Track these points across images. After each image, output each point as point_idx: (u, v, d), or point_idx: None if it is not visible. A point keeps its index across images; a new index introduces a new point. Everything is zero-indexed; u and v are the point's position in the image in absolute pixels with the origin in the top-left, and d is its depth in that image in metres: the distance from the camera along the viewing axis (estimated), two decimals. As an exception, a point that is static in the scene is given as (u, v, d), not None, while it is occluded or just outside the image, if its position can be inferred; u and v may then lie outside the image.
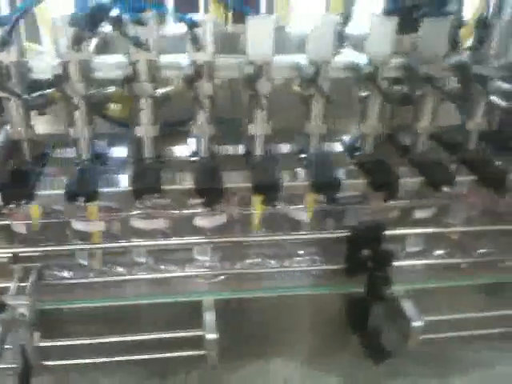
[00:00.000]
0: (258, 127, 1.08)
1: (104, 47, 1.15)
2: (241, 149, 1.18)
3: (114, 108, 1.18)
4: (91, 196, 0.99)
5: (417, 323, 1.14)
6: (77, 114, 1.02)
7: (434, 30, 1.03)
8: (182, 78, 1.01)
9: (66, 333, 1.19)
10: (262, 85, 1.03)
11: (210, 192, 1.02)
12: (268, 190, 1.06)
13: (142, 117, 1.04)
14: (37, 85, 1.03)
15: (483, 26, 1.05)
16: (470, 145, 1.17)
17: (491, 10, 1.06)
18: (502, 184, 1.08)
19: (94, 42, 1.11)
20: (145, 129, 1.06)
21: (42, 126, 1.14)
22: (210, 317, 1.12)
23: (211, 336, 1.08)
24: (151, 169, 1.07)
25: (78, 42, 0.95)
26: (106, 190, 1.01)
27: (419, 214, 1.20)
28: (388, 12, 1.22)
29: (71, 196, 0.98)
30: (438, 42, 1.03)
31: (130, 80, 0.98)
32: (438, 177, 1.08)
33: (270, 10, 1.22)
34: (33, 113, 1.07)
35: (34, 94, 1.03)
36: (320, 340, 1.30)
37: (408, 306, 1.16)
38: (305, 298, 1.29)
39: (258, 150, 1.11)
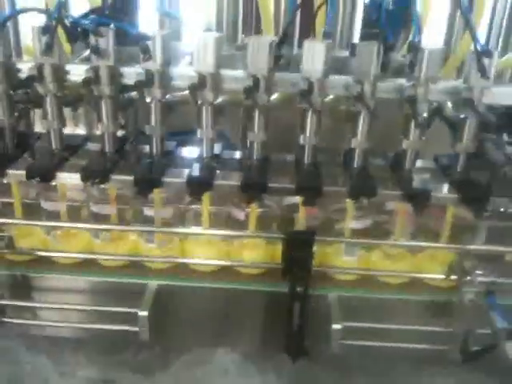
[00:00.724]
0: (205, 131, 1.22)
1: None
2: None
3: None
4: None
5: (337, 326, 1.21)
6: (48, 108, 1.21)
7: (365, 52, 1.12)
8: (135, 82, 1.17)
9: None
10: (206, 93, 1.17)
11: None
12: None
13: (103, 115, 1.22)
14: (23, 83, 1.23)
15: (412, 49, 1.12)
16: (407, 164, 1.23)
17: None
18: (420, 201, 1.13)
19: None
20: (105, 126, 1.23)
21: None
22: (147, 298, 1.26)
23: (143, 313, 1.22)
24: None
25: (49, 48, 1.14)
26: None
27: (355, 225, 1.26)
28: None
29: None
30: (369, 64, 1.12)
31: (88, 83, 1.16)
32: (357, 187, 1.16)
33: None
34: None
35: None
36: (267, 335, 1.36)
37: (335, 311, 1.24)
38: (256, 292, 1.36)
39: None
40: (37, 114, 1.33)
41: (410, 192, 1.15)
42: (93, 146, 1.33)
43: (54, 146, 1.25)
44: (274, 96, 1.27)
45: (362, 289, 1.31)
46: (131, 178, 1.17)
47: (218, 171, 1.23)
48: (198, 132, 1.23)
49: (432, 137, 1.26)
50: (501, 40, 1.49)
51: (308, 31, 1.37)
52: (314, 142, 1.22)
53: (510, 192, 1.13)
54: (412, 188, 1.16)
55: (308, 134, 1.21)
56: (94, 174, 1.17)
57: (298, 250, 1.21)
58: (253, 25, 1.47)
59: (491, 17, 1.41)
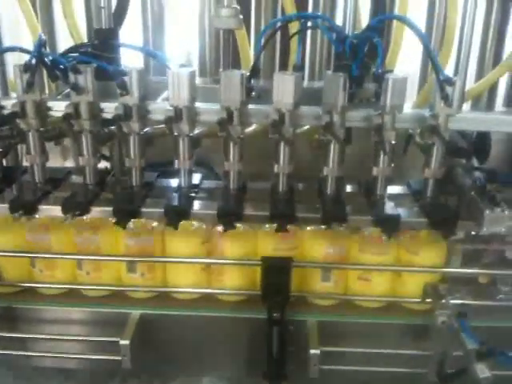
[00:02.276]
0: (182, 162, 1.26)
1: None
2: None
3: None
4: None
5: (314, 351, 1.22)
6: (31, 143, 1.26)
7: (332, 83, 1.16)
8: (113, 117, 1.22)
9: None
10: (182, 126, 1.21)
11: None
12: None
13: (84, 149, 1.26)
14: (5, 120, 1.28)
15: (376, 79, 1.16)
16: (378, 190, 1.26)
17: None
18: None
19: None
20: (86, 159, 1.27)
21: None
22: (130, 327, 1.28)
23: (124, 342, 1.24)
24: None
25: (30, 85, 1.20)
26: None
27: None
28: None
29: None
30: (336, 94, 1.16)
31: (67, 118, 1.20)
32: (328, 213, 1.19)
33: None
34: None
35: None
36: (251, 360, 1.38)
37: (313, 336, 1.26)
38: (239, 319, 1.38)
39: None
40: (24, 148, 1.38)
41: (380, 217, 1.18)
42: (76, 179, 1.37)
43: (37, 180, 1.30)
44: (252, 127, 1.33)
45: (340, 314, 1.33)
46: (110, 208, 1.21)
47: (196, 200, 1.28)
48: (176, 163, 1.27)
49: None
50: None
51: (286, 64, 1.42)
52: (287, 171, 1.25)
53: (476, 215, 1.16)
54: (382, 213, 1.19)
55: (281, 163, 1.24)
56: (75, 206, 1.21)
57: (274, 277, 1.24)
58: (229, 59, 1.51)
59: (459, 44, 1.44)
